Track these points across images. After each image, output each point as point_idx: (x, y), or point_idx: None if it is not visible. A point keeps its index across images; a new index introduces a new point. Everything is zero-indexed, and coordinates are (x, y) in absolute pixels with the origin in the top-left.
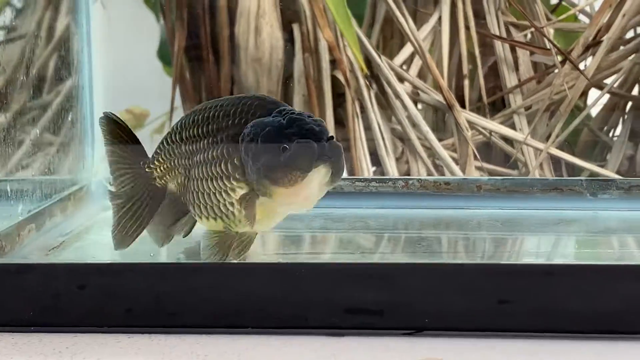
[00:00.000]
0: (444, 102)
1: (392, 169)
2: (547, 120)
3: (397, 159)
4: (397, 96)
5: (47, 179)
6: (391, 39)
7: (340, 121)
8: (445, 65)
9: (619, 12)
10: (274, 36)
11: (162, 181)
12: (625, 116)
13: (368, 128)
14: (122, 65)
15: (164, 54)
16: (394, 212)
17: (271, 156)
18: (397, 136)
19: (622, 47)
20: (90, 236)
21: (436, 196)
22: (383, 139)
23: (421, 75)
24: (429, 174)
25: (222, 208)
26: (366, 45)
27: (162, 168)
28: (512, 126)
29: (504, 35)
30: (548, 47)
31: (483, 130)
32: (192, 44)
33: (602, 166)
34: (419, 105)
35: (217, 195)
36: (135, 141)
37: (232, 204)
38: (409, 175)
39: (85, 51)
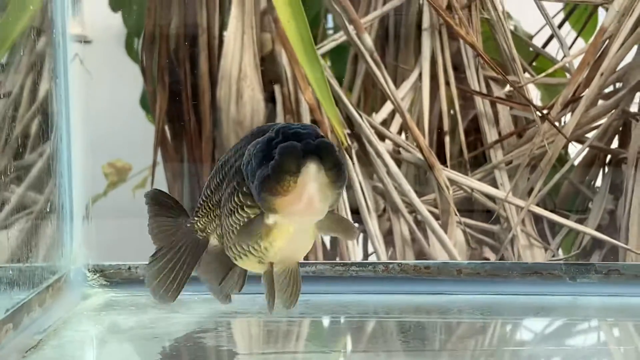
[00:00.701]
0: (425, 161)
1: (374, 228)
2: (527, 174)
3: (379, 216)
4: (379, 155)
5: (26, 268)
6: (373, 87)
7: None
8: (426, 121)
9: (597, 70)
10: (255, 99)
11: (204, 234)
12: (606, 169)
13: (350, 187)
14: (104, 117)
15: (146, 102)
16: (374, 298)
17: (262, 169)
18: (378, 193)
19: (600, 102)
20: (68, 332)
21: (416, 280)
22: (364, 197)
23: (403, 128)
24: (411, 231)
25: (251, 245)
26: (347, 105)
27: (201, 223)
28: (494, 180)
29: (484, 90)
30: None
31: (465, 188)
32: (174, 106)
33: (583, 219)
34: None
35: (239, 228)
36: (178, 206)
37: (256, 240)
38: (391, 233)
39: (63, 113)
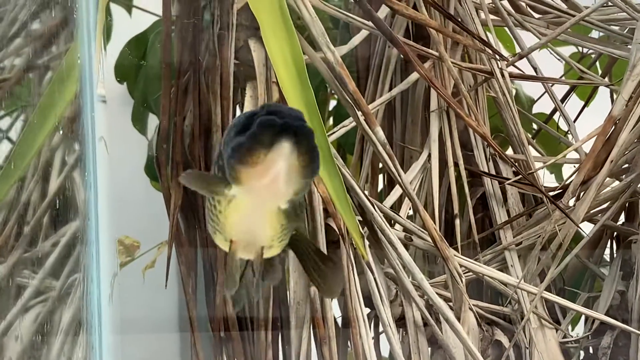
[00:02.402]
0: (436, 248)
1: (387, 314)
2: (538, 254)
3: (391, 302)
4: (390, 243)
5: None
6: (380, 169)
7: None
8: (436, 203)
9: (607, 155)
10: None
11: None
12: (614, 246)
13: (361, 272)
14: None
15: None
16: None
17: (238, 138)
18: (390, 278)
19: (609, 180)
20: None
21: None
22: (377, 284)
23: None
24: (423, 317)
25: (212, 217)
26: (358, 194)
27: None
28: (504, 260)
29: (492, 169)
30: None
31: (477, 274)
32: (187, 200)
33: (592, 298)
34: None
35: (209, 207)
36: None
37: (214, 206)
38: (403, 318)
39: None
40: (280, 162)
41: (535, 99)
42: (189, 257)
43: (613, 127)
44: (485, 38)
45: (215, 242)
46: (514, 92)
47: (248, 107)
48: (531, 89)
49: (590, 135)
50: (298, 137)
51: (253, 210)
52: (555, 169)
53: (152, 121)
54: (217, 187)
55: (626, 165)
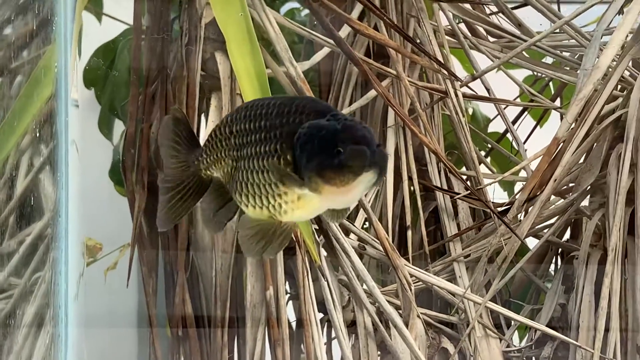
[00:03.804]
0: (388, 259)
1: (339, 318)
2: (485, 266)
3: (344, 307)
4: (345, 251)
5: None
6: None
7: (290, 272)
8: (390, 216)
9: (551, 174)
10: None
11: (208, 172)
12: (558, 260)
13: (316, 278)
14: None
15: (116, 172)
16: None
17: (326, 157)
18: (344, 284)
19: (554, 198)
20: None
21: None
22: (330, 290)
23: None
24: (374, 323)
25: (270, 199)
26: None
27: (209, 159)
28: (452, 272)
29: (445, 183)
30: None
31: (426, 283)
32: (151, 203)
33: (536, 310)
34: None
35: (267, 187)
36: (194, 140)
37: (279, 195)
38: (354, 323)
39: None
40: (362, 186)
41: (491, 119)
42: (150, 258)
43: (558, 148)
44: (442, 59)
45: (248, 213)
46: (470, 111)
47: (213, 117)
48: (487, 109)
49: (536, 155)
50: (381, 165)
51: (320, 208)
52: (508, 187)
53: (118, 127)
54: (291, 184)
55: (571, 185)
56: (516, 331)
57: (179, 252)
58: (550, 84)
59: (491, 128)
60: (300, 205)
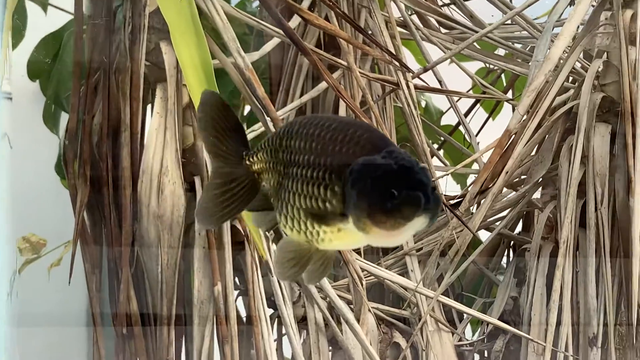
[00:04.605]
0: (339, 253)
1: (289, 314)
2: (437, 259)
3: (294, 303)
4: None
5: None
6: None
7: (239, 268)
8: None
9: (503, 167)
10: (175, 194)
11: (259, 177)
12: (510, 254)
13: (266, 274)
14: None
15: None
16: None
17: (378, 199)
18: (294, 280)
19: (505, 191)
20: None
21: None
22: (280, 285)
23: None
24: (325, 318)
25: (309, 225)
26: None
27: (259, 165)
28: (404, 266)
29: None
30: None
31: (378, 277)
32: (94, 198)
33: (489, 304)
34: None
35: (309, 214)
36: (239, 128)
37: (320, 224)
38: (303, 319)
39: None
40: (412, 232)
41: (444, 111)
42: (93, 255)
43: (510, 140)
44: (394, 50)
45: (286, 233)
46: (423, 104)
47: (158, 108)
48: (440, 101)
49: (488, 148)
50: (434, 211)
51: (360, 243)
52: (461, 179)
53: (65, 120)
54: (334, 223)
55: (524, 177)
56: (470, 325)
57: (123, 248)
58: (503, 76)
59: (444, 121)
60: (340, 237)
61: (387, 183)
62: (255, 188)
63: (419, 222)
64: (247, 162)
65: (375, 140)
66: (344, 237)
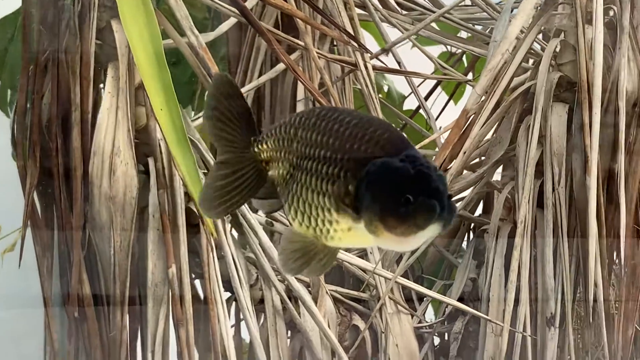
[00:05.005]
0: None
1: (246, 297)
2: None
3: (252, 286)
4: (252, 228)
5: None
6: None
7: (195, 251)
8: None
9: (461, 147)
10: (128, 174)
11: (267, 165)
12: (470, 235)
13: (222, 256)
14: None
15: None
16: None
17: (393, 203)
18: (252, 262)
19: (465, 173)
20: None
21: None
22: (237, 268)
23: None
24: (282, 301)
25: (319, 222)
26: None
27: (268, 154)
28: (364, 248)
29: None
30: None
31: (336, 260)
32: (45, 180)
33: (448, 285)
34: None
35: (319, 209)
36: (249, 114)
37: (330, 222)
38: (261, 302)
39: None
40: (424, 239)
41: (406, 96)
42: (44, 238)
43: (468, 121)
44: (353, 32)
45: (294, 226)
46: (386, 88)
47: (109, 88)
48: (403, 86)
49: (446, 128)
50: (448, 219)
51: (368, 243)
52: None
53: None
54: (345, 221)
55: (484, 159)
56: (432, 307)
57: (74, 230)
58: (465, 59)
59: (407, 105)
60: (350, 236)
61: (403, 188)
62: (263, 177)
63: (432, 231)
64: (256, 149)
65: (395, 140)
66: (354, 237)
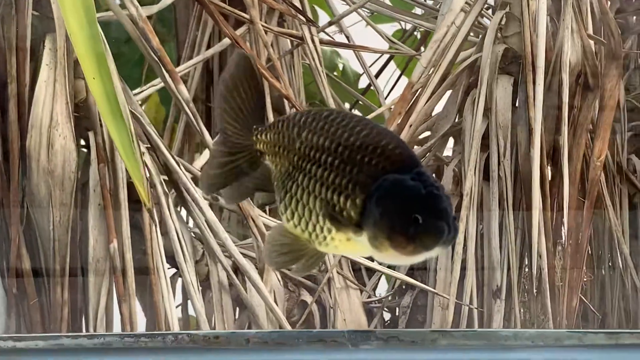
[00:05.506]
0: (239, 208)
1: (191, 273)
2: None
3: (197, 262)
4: (196, 202)
5: None
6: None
7: (138, 226)
8: None
9: (407, 122)
10: (67, 148)
11: (261, 155)
12: None
13: (166, 232)
14: None
15: None
16: None
17: (401, 223)
18: (197, 238)
19: (415, 148)
20: None
21: (206, 351)
22: (181, 245)
23: None
24: (229, 277)
25: (317, 228)
26: (164, 153)
27: (264, 146)
28: None
29: None
30: None
31: None
32: None
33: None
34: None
35: (320, 217)
36: (262, 100)
37: (329, 230)
38: (208, 278)
39: None
40: (426, 258)
41: (361, 74)
42: None
43: (415, 95)
44: (300, 5)
45: (287, 227)
46: (341, 67)
47: (47, 59)
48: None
49: (392, 102)
50: (451, 240)
51: (365, 254)
52: None
53: None
54: (346, 231)
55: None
56: (385, 282)
57: (12, 205)
58: (418, 35)
59: (362, 84)
60: (347, 246)
61: (413, 207)
62: (255, 165)
63: (436, 252)
64: (255, 138)
65: (406, 157)
66: (351, 247)
